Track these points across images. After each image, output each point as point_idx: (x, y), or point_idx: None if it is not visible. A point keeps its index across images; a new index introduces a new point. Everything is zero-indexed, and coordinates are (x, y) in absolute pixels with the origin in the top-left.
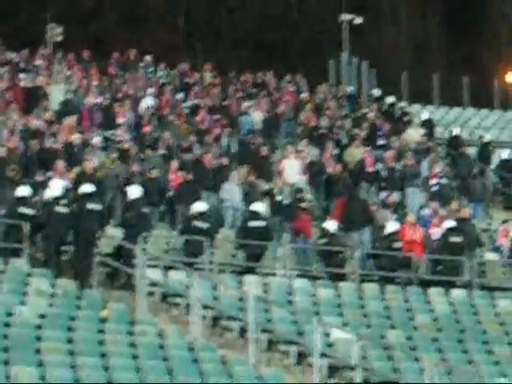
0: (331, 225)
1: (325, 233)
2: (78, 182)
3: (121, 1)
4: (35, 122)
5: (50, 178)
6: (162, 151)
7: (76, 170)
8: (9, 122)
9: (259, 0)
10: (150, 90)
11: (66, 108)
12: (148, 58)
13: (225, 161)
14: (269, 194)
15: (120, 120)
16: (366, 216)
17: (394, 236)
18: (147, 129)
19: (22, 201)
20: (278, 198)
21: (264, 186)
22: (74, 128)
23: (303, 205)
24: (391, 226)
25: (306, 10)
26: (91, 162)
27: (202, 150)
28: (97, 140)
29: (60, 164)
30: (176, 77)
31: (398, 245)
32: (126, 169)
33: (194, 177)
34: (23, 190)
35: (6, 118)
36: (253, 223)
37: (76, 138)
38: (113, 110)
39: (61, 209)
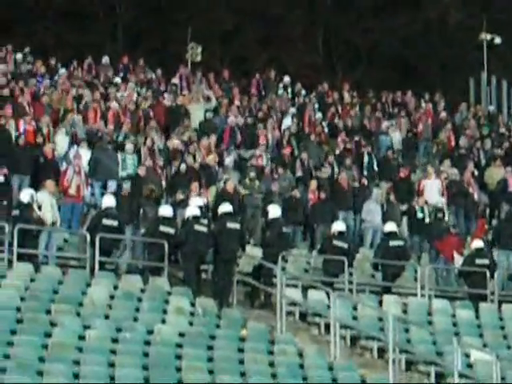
0: (476, 243)
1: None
2: (217, 201)
3: (261, 20)
4: (175, 142)
5: (188, 197)
6: (299, 173)
7: (213, 189)
8: (148, 142)
9: (399, 20)
10: (291, 110)
11: (206, 127)
12: (287, 78)
13: (364, 181)
14: (409, 212)
15: (262, 141)
16: None
17: None
18: (287, 150)
19: (164, 220)
20: (420, 215)
21: (403, 206)
22: (211, 148)
23: (453, 230)
24: None
25: (446, 29)
26: (232, 181)
27: (341, 170)
28: (229, 160)
29: (195, 185)
30: (315, 97)
31: None
32: (264, 188)
33: (331, 197)
34: (165, 210)
35: (146, 138)
36: (392, 243)
37: (210, 158)
38: (254, 130)
39: (200, 227)
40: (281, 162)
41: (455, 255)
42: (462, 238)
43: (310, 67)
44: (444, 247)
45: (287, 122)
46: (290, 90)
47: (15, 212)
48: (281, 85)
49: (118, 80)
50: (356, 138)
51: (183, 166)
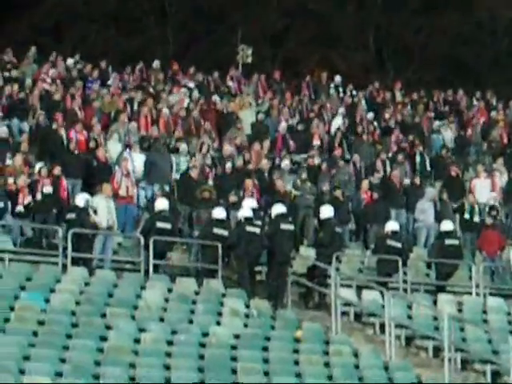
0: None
1: None
2: (269, 203)
3: (311, 21)
4: (227, 148)
5: (241, 199)
6: (347, 174)
7: (265, 191)
8: (203, 147)
9: (450, 18)
10: (341, 110)
11: (258, 130)
12: (338, 78)
13: (417, 180)
14: (460, 210)
15: (315, 142)
16: None
17: None
18: (338, 152)
19: (217, 222)
20: (467, 215)
21: (455, 204)
22: (264, 153)
23: (488, 221)
24: None
25: (497, 27)
26: (283, 183)
27: (393, 168)
28: (285, 164)
29: (249, 183)
30: (366, 96)
31: None
32: (315, 188)
33: (383, 195)
34: (219, 212)
35: (201, 143)
36: (448, 241)
37: (264, 163)
38: (307, 132)
39: (252, 229)
40: (332, 164)
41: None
42: (502, 233)
43: (361, 67)
44: (482, 243)
45: (338, 122)
46: (341, 89)
47: (70, 215)
48: (332, 85)
49: (191, 85)
50: (410, 137)
51: (229, 166)
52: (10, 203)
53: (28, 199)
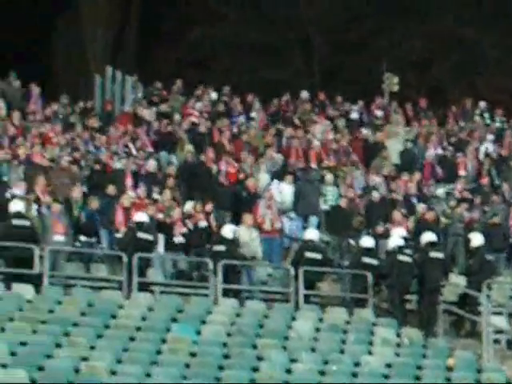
0: None
1: None
2: (417, 231)
3: (456, 47)
4: (374, 178)
5: (389, 229)
6: (501, 204)
7: (412, 218)
8: (348, 178)
9: None
10: (489, 137)
11: (406, 159)
12: (483, 104)
13: None
14: None
15: (461, 172)
16: None
17: None
18: (484, 180)
19: (366, 251)
20: None
21: None
22: (413, 184)
23: None
24: None
25: None
26: (432, 212)
27: None
28: (440, 192)
29: (397, 214)
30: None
31: None
32: (463, 215)
33: None
34: (367, 241)
35: (346, 173)
36: None
37: (411, 187)
38: (454, 161)
39: (404, 258)
40: (480, 193)
41: None
42: None
43: (507, 92)
44: None
45: (486, 149)
46: (487, 115)
47: (219, 248)
48: (477, 111)
49: (355, 116)
50: None
51: (376, 195)
52: (162, 236)
53: (184, 229)
